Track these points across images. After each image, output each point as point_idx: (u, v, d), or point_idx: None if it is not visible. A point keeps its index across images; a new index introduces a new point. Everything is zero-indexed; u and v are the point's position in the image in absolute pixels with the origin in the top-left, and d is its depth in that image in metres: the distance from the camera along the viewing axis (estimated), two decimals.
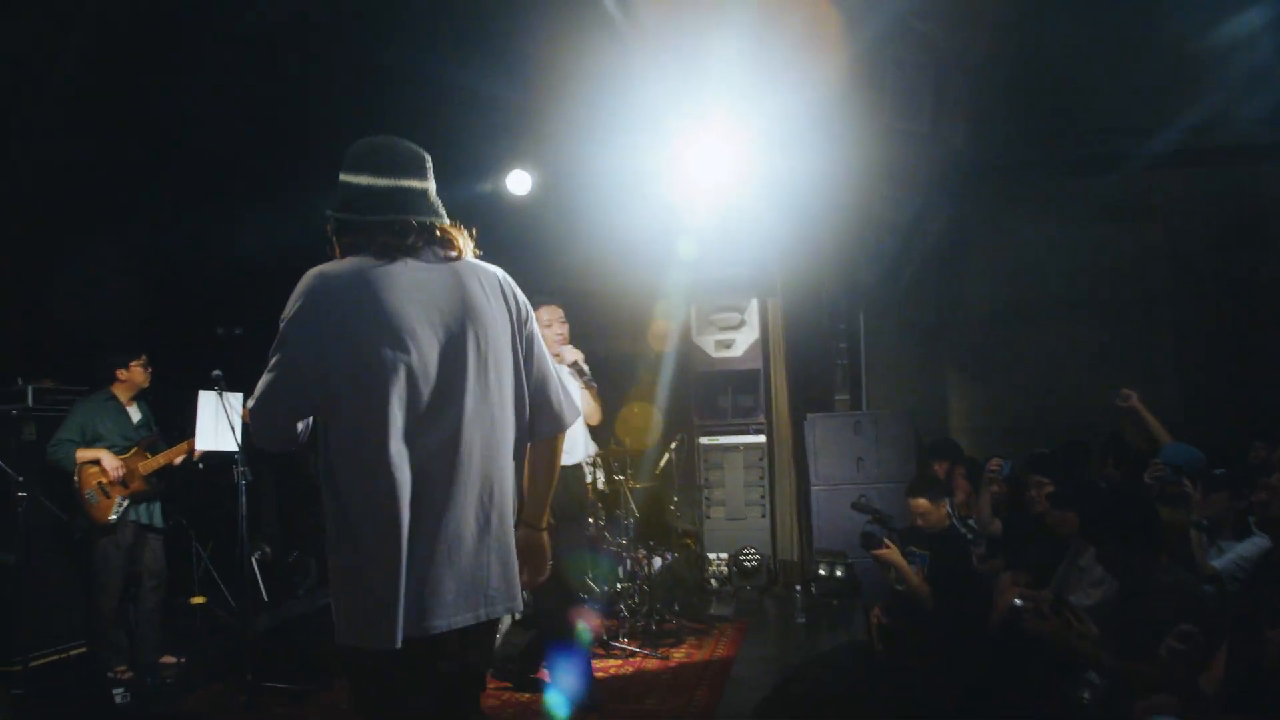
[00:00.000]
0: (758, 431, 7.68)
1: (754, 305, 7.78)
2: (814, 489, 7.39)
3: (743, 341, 7.86)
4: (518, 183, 7.09)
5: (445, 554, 2.05)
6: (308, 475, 6.69)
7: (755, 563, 7.17)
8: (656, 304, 7.87)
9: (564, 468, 3.36)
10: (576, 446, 4.70)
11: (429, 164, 2.25)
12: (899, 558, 4.41)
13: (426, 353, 2.06)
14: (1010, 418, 7.83)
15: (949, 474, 6.64)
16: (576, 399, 2.78)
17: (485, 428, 2.13)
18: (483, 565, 2.11)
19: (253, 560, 6.16)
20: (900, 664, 4.33)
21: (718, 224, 7.35)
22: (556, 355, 4.58)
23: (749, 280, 7.79)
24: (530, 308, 2.34)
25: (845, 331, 8.20)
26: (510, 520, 2.21)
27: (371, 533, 2.01)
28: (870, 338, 8.35)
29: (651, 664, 5.22)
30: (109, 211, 6.04)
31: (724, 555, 7.40)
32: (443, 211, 2.24)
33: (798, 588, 6.66)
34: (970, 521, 5.70)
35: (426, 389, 2.06)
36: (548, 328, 4.59)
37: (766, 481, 7.62)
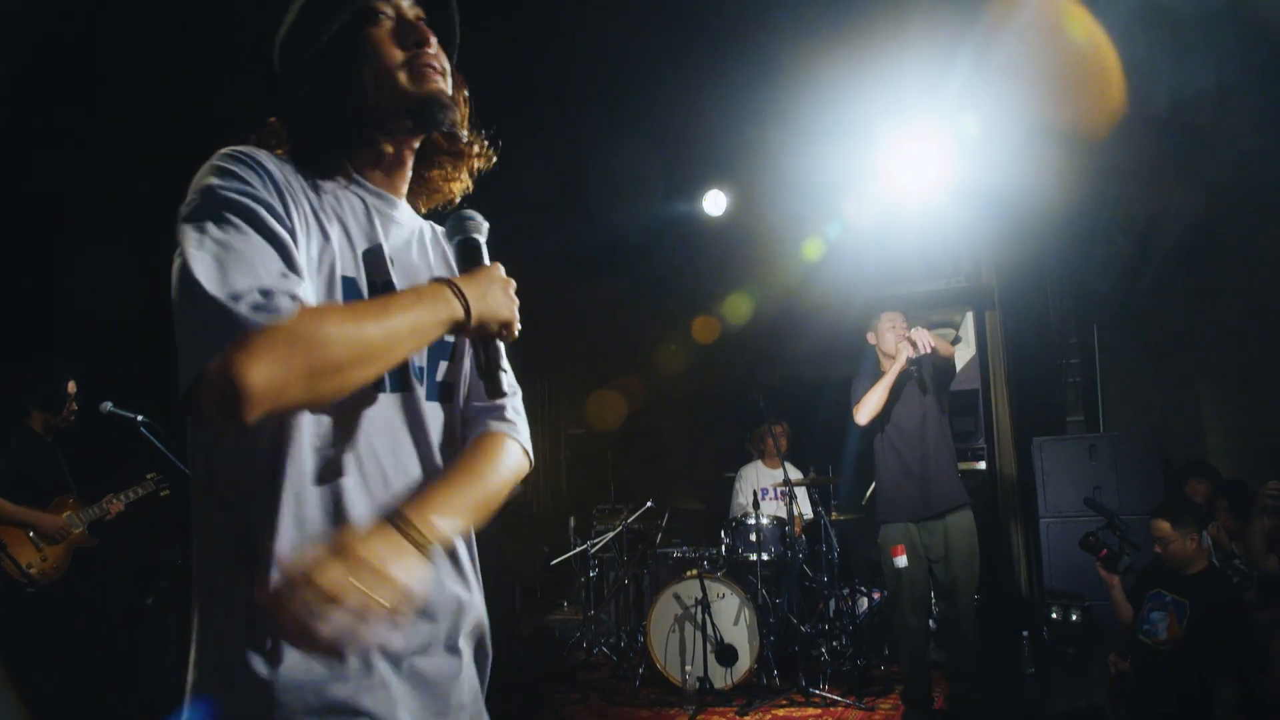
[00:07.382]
0: (977, 457, 7.07)
1: (969, 320, 7.19)
2: (1043, 521, 6.74)
3: (959, 360, 7.29)
4: (714, 203, 6.98)
5: None
6: None
7: (977, 603, 6.57)
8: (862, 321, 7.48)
9: None
10: None
11: None
12: (1105, 574, 3.84)
13: None
14: None
15: (1209, 499, 5.86)
16: None
17: None
18: None
19: None
20: None
21: (926, 232, 6.92)
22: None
23: (963, 293, 7.22)
24: None
25: (1077, 345, 7.50)
26: None
27: None
28: (1106, 351, 7.58)
29: (854, 715, 4.85)
30: None
31: None
32: None
33: (1025, 633, 6.04)
34: (1235, 561, 4.96)
35: None
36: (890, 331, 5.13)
37: (989, 513, 7.01)
